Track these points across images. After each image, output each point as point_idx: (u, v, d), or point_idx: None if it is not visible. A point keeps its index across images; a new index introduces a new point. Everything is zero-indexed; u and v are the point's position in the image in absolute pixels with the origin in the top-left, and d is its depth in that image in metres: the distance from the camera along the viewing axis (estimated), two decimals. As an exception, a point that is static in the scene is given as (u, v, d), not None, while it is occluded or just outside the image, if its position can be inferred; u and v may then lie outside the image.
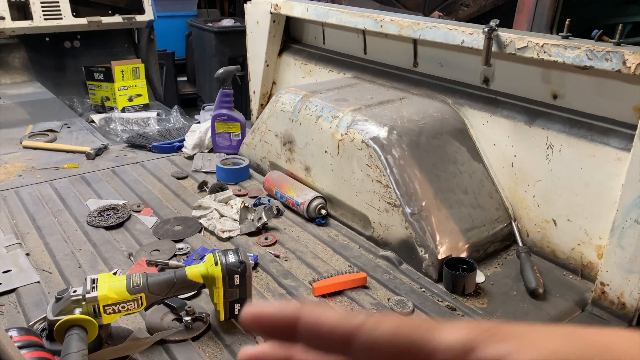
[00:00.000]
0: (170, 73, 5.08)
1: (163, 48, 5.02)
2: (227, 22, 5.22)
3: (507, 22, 3.33)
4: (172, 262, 1.50)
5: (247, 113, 2.74)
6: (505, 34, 1.54)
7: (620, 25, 1.34)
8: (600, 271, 1.40)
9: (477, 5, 4.07)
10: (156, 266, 1.50)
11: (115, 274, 1.46)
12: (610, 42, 1.35)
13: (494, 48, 1.56)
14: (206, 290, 1.33)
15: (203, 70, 5.27)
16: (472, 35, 1.62)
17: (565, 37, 1.44)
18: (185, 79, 5.79)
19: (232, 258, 1.26)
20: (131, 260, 1.56)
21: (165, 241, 1.66)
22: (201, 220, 1.76)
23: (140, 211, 1.84)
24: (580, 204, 1.52)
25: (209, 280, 1.25)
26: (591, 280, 1.49)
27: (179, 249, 1.62)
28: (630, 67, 1.27)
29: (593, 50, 1.34)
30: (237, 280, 1.25)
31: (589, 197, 1.50)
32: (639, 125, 1.27)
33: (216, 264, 1.24)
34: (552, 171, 1.57)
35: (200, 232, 1.73)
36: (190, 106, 5.35)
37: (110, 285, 1.18)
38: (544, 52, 1.45)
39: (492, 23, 1.55)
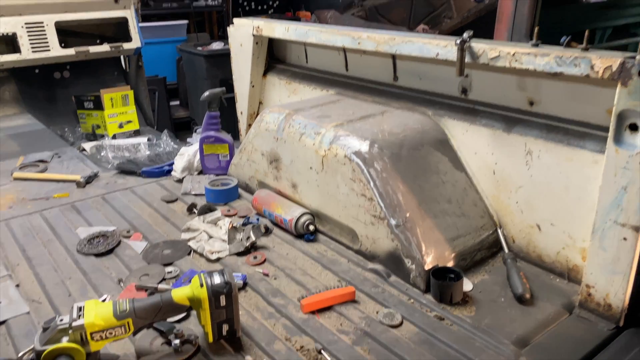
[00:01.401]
0: (163, 98, 5.13)
1: (154, 74, 5.08)
2: (217, 45, 5.29)
3: (490, 32, 3.38)
4: (162, 286, 1.51)
5: (236, 134, 2.77)
6: (477, 45, 1.57)
7: (587, 30, 1.37)
8: (585, 274, 1.41)
9: (460, 17, 4.15)
10: (146, 291, 1.50)
11: (104, 300, 1.47)
12: (578, 47, 1.38)
13: (467, 59, 1.59)
14: (195, 312, 1.33)
15: (195, 94, 5.33)
16: (445, 48, 1.65)
17: (535, 45, 1.47)
18: (178, 103, 5.84)
19: (217, 279, 1.27)
20: (121, 286, 1.57)
21: (154, 265, 1.67)
22: (190, 243, 1.77)
23: (130, 237, 1.85)
24: (562, 207, 1.54)
25: (195, 302, 1.26)
26: (577, 283, 1.50)
27: (168, 272, 1.63)
28: (597, 72, 1.30)
29: (562, 56, 1.37)
30: (223, 301, 1.26)
31: (570, 200, 1.51)
32: (610, 126, 1.29)
33: (201, 285, 1.25)
34: (533, 177, 1.59)
35: (189, 254, 1.74)
36: (184, 130, 5.39)
37: (97, 312, 1.19)
38: (516, 61, 1.48)
39: (465, 35, 1.58)
